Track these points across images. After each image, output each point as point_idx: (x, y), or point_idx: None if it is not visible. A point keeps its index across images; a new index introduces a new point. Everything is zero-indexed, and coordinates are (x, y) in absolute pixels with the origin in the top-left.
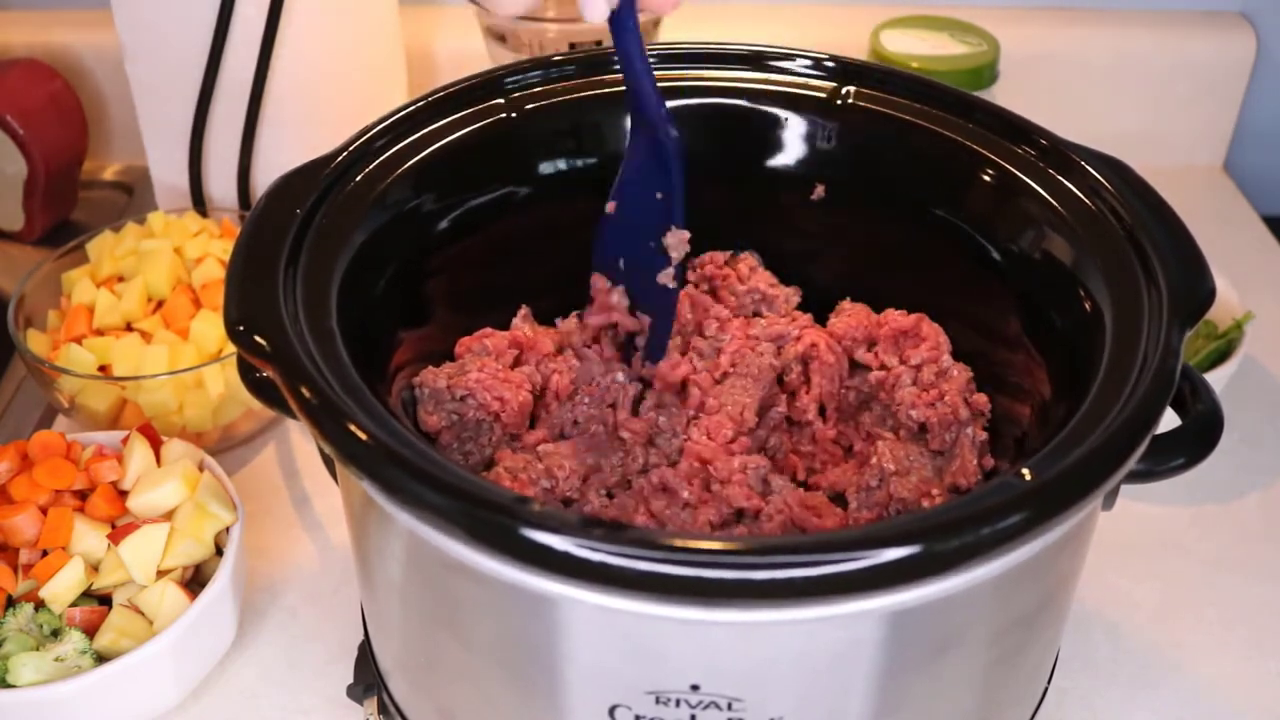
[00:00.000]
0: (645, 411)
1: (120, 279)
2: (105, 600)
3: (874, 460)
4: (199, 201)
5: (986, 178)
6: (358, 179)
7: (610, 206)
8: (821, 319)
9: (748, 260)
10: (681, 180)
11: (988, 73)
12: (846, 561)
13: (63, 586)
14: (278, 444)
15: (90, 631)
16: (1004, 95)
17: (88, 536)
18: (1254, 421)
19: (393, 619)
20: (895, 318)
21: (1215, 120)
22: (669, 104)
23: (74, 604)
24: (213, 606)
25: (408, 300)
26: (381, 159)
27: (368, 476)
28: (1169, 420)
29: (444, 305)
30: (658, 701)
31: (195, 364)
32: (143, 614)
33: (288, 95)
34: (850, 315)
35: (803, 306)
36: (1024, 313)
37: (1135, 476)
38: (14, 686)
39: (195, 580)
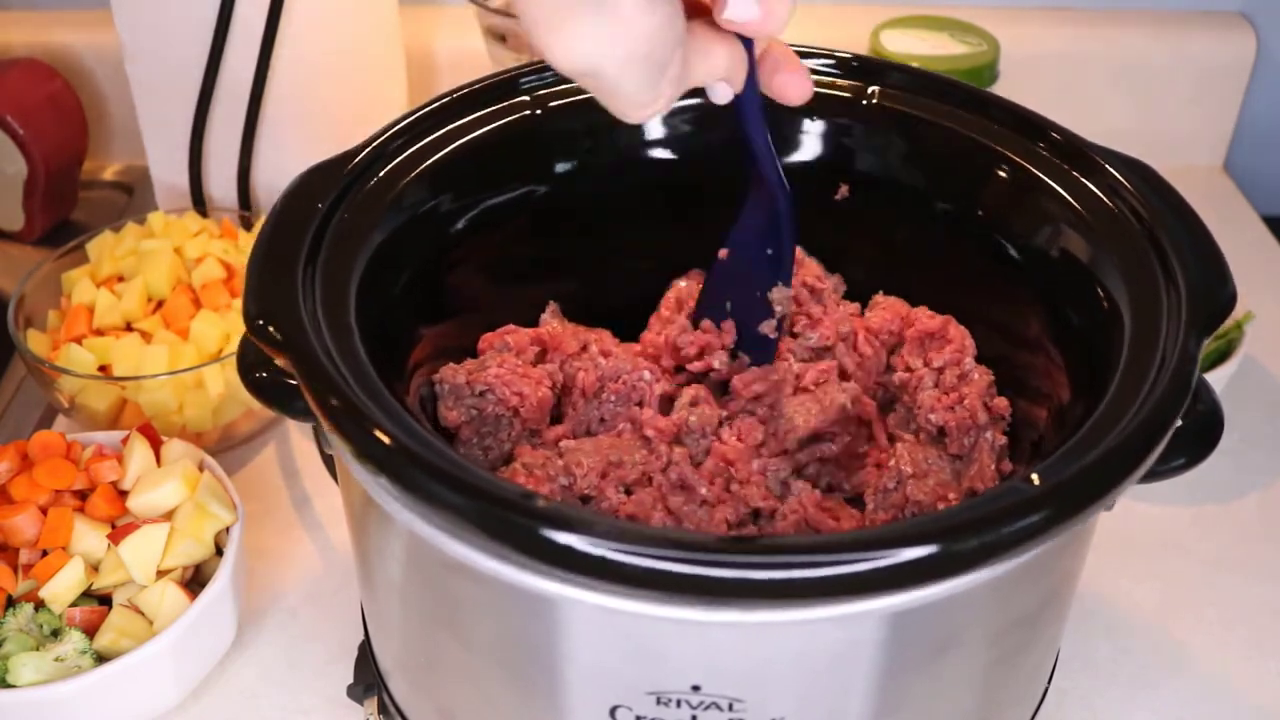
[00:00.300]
0: (677, 410)
1: (120, 279)
2: (105, 600)
3: (892, 462)
4: (199, 201)
5: (1010, 177)
6: (379, 176)
7: (723, 253)
8: None
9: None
10: (792, 244)
11: (988, 73)
12: (845, 564)
13: (63, 586)
14: (278, 444)
15: (90, 631)
16: (1004, 95)
17: (88, 536)
18: (1254, 421)
19: (393, 619)
20: (923, 320)
21: (1215, 120)
22: (690, 102)
23: (74, 604)
24: (213, 606)
25: (428, 297)
26: (402, 157)
27: (374, 468)
28: None
29: (465, 302)
30: (658, 702)
31: (195, 364)
32: (143, 614)
33: (288, 95)
34: (885, 309)
35: None
36: (1044, 312)
37: None
38: (14, 686)
39: (195, 580)
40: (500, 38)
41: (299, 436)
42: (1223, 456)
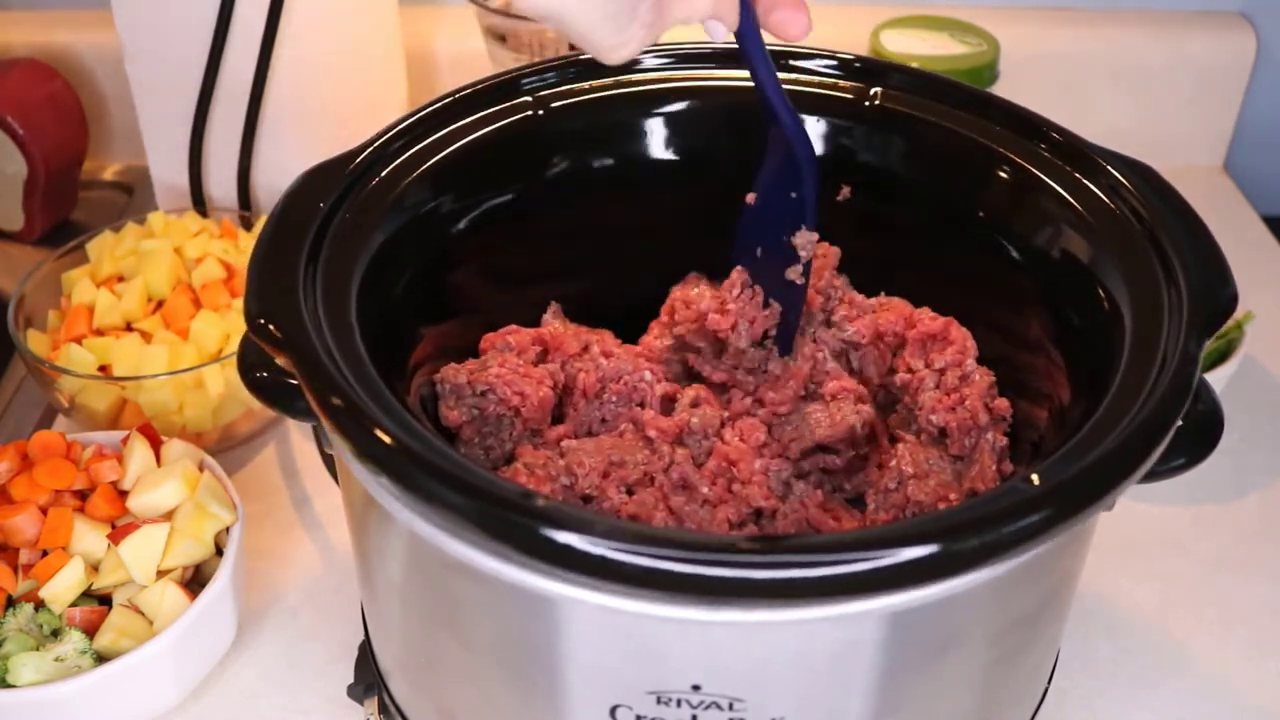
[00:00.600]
0: (678, 411)
1: (120, 279)
2: (105, 600)
3: (893, 463)
4: (199, 201)
5: (1011, 177)
6: (381, 176)
7: (750, 197)
8: None
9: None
10: (813, 188)
11: (988, 73)
12: (845, 564)
13: (63, 586)
14: (278, 444)
15: (90, 631)
16: (1003, 95)
17: (88, 536)
18: (1254, 421)
19: (393, 619)
20: (925, 321)
21: (1215, 120)
22: (692, 104)
23: (74, 604)
24: (213, 606)
25: (429, 297)
26: (404, 157)
27: (375, 468)
28: None
29: (467, 302)
30: (659, 702)
31: (195, 364)
32: (143, 614)
33: (288, 95)
34: (889, 310)
35: None
36: (1044, 313)
37: None
38: (14, 686)
39: (195, 580)
40: (500, 38)
41: (299, 436)
42: (1223, 456)
